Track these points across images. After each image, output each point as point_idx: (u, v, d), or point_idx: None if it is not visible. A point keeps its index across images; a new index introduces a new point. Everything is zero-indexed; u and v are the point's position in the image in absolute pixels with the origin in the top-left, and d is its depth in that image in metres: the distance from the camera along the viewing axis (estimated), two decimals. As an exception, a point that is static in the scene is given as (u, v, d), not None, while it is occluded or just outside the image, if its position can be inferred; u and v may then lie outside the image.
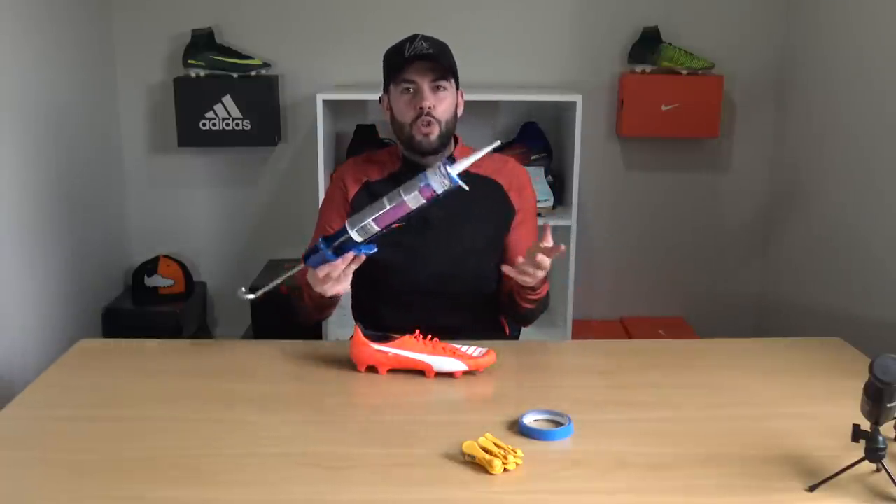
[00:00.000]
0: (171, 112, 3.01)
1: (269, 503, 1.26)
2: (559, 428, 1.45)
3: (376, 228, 1.59)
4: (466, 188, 1.56)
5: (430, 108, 1.82)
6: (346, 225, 1.61)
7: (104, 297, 3.02)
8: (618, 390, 1.65)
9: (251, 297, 1.74)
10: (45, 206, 2.58)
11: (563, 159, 3.02)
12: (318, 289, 1.71)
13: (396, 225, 1.60)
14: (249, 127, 2.98)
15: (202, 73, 2.97)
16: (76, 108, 2.82)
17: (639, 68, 3.03)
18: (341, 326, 2.12)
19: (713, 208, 3.24)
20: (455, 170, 1.53)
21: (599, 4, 3.08)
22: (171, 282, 3.11)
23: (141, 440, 1.43)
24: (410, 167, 1.90)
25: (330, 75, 3.09)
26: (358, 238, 1.60)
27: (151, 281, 3.11)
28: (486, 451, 1.34)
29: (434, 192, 1.53)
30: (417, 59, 1.81)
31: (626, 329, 3.19)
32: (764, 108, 3.15)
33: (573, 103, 2.80)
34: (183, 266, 3.15)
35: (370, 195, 1.91)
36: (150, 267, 3.12)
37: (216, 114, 2.96)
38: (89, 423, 1.49)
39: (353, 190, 1.95)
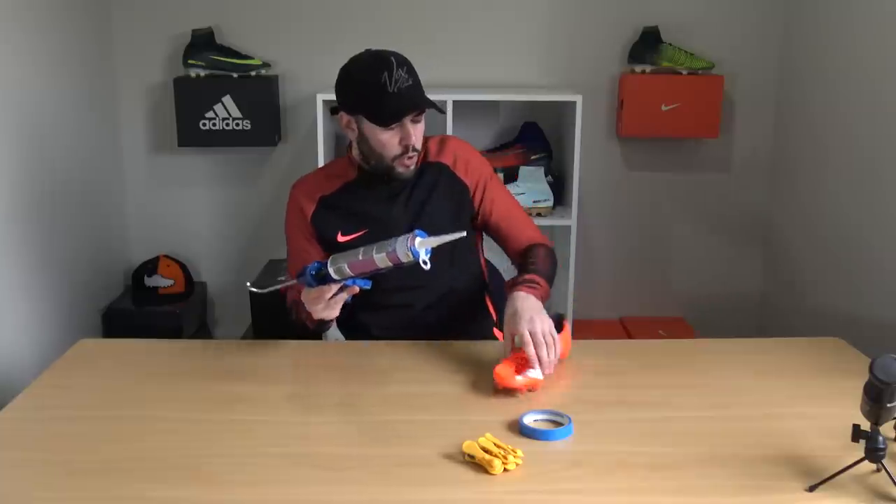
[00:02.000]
0: (171, 112, 3.01)
1: (269, 503, 1.26)
2: (559, 428, 1.45)
3: (349, 273, 1.61)
4: (427, 267, 1.55)
5: (416, 143, 1.80)
6: (328, 261, 1.63)
7: (104, 297, 3.02)
8: (618, 390, 1.65)
9: (255, 290, 1.76)
10: (44, 206, 2.58)
11: (563, 159, 3.02)
12: (308, 308, 1.71)
13: (371, 274, 1.61)
14: (249, 127, 2.98)
15: (202, 73, 2.97)
16: (76, 108, 2.82)
17: (639, 68, 3.03)
18: (341, 326, 2.13)
19: (713, 208, 3.24)
20: (421, 246, 1.55)
21: (599, 4, 3.08)
22: (171, 282, 3.11)
23: (141, 440, 1.43)
24: (366, 177, 1.89)
25: (330, 75, 3.04)
26: (335, 276, 1.62)
27: (151, 281, 3.11)
28: (486, 451, 1.34)
29: (399, 260, 1.56)
30: (400, 94, 1.74)
31: (626, 329, 3.19)
32: (764, 108, 3.15)
33: (573, 103, 2.81)
34: (183, 266, 3.15)
35: (327, 209, 1.91)
36: (150, 267, 3.12)
37: (216, 114, 2.96)
38: (89, 423, 1.49)
39: (309, 209, 1.92)
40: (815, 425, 1.48)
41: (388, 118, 1.76)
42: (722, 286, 3.30)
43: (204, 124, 2.97)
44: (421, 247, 1.54)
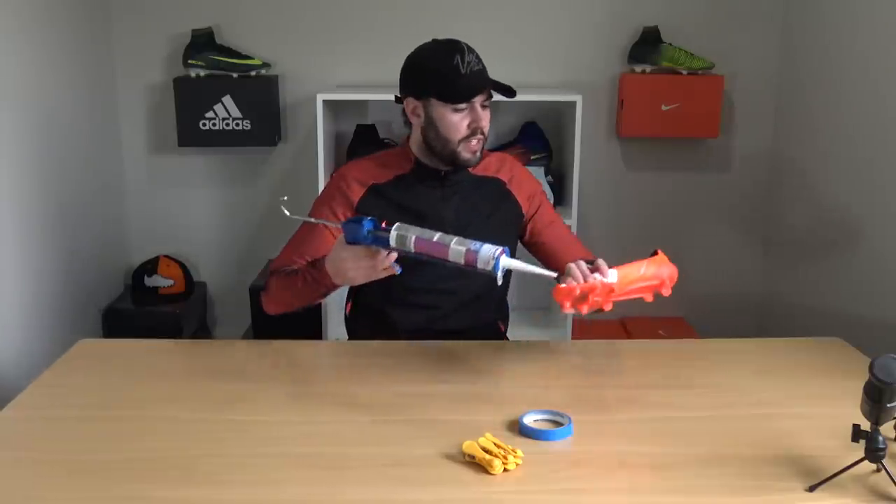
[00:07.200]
0: (171, 112, 3.01)
1: (269, 503, 1.26)
2: (559, 428, 1.45)
3: (410, 247, 1.53)
4: (499, 283, 1.50)
5: (484, 127, 1.81)
6: (395, 226, 1.54)
7: (104, 297, 3.02)
8: (618, 390, 1.65)
9: (288, 213, 1.72)
10: (45, 206, 2.58)
11: (563, 159, 3.02)
12: (342, 267, 1.62)
13: (427, 259, 1.53)
14: (249, 127, 2.98)
15: (202, 73, 2.97)
16: (76, 108, 2.82)
17: (639, 68, 3.03)
18: (342, 326, 2.12)
19: (713, 208, 3.24)
20: (504, 264, 1.47)
21: (599, 4, 3.08)
22: (171, 282, 3.11)
23: (141, 440, 1.43)
24: (422, 170, 1.88)
25: (330, 75, 3.10)
26: (392, 241, 1.53)
27: (151, 281, 3.11)
28: (486, 451, 1.34)
29: (475, 263, 1.48)
30: (473, 76, 1.77)
31: (626, 329, 3.19)
32: (764, 108, 3.15)
33: (573, 103, 2.80)
34: (183, 266, 3.15)
35: (376, 197, 1.88)
36: (150, 267, 3.12)
37: (216, 114, 2.96)
38: (89, 423, 1.49)
39: (358, 192, 1.88)
40: (815, 425, 1.48)
41: (461, 96, 1.77)
42: (722, 286, 3.30)
43: (204, 124, 2.97)
44: (503, 264, 1.48)
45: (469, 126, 1.79)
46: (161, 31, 3.06)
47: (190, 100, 2.96)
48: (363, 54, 3.08)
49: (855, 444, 1.27)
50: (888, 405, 1.22)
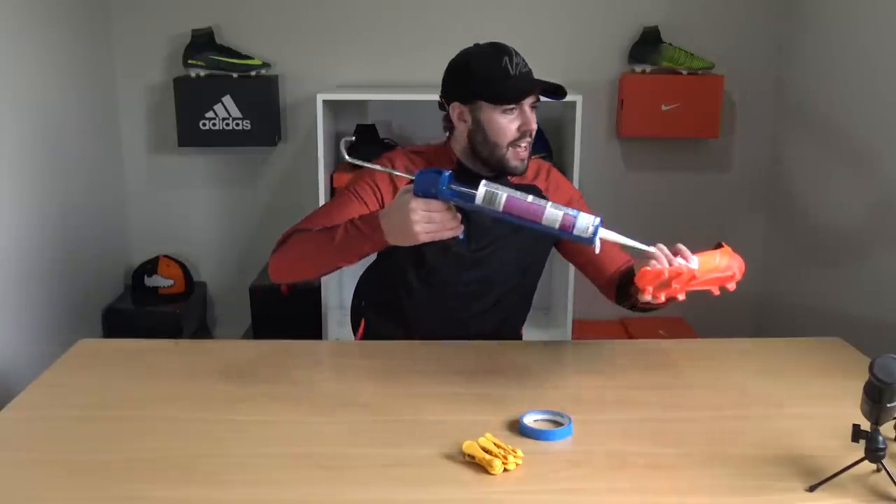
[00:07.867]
0: (171, 112, 3.01)
1: (269, 503, 1.26)
2: (559, 428, 1.45)
3: (500, 206, 1.44)
4: (598, 251, 1.46)
5: (533, 129, 1.78)
6: (483, 182, 1.46)
7: (104, 297, 3.02)
8: (618, 390, 1.65)
9: (348, 157, 1.67)
10: (45, 206, 2.58)
11: (563, 159, 3.02)
12: (408, 220, 1.47)
13: (517, 220, 1.45)
14: (249, 127, 2.98)
15: (202, 73, 2.97)
16: (76, 108, 2.82)
17: (639, 68, 3.03)
18: (342, 326, 2.13)
19: (713, 208, 3.24)
20: (601, 234, 1.44)
21: (599, 4, 3.08)
22: (171, 282, 3.11)
23: (141, 440, 1.43)
24: (463, 173, 1.80)
25: (330, 75, 3.10)
26: (479, 198, 1.44)
27: (151, 281, 3.11)
28: (486, 451, 1.34)
29: (571, 228, 1.43)
30: (522, 77, 1.75)
31: (626, 329, 3.19)
32: (764, 108, 3.15)
33: (573, 103, 2.80)
34: (183, 266, 3.15)
35: None
36: (150, 267, 3.12)
37: (216, 114, 2.96)
38: (89, 423, 1.49)
39: (402, 181, 1.80)
40: (815, 425, 1.48)
41: (511, 97, 1.73)
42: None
43: (204, 124, 2.97)
44: (600, 234, 1.44)
45: (518, 129, 1.76)
46: (161, 31, 3.06)
47: (190, 100, 2.96)
48: (363, 54, 3.08)
49: (855, 444, 1.27)
50: (888, 405, 1.22)
